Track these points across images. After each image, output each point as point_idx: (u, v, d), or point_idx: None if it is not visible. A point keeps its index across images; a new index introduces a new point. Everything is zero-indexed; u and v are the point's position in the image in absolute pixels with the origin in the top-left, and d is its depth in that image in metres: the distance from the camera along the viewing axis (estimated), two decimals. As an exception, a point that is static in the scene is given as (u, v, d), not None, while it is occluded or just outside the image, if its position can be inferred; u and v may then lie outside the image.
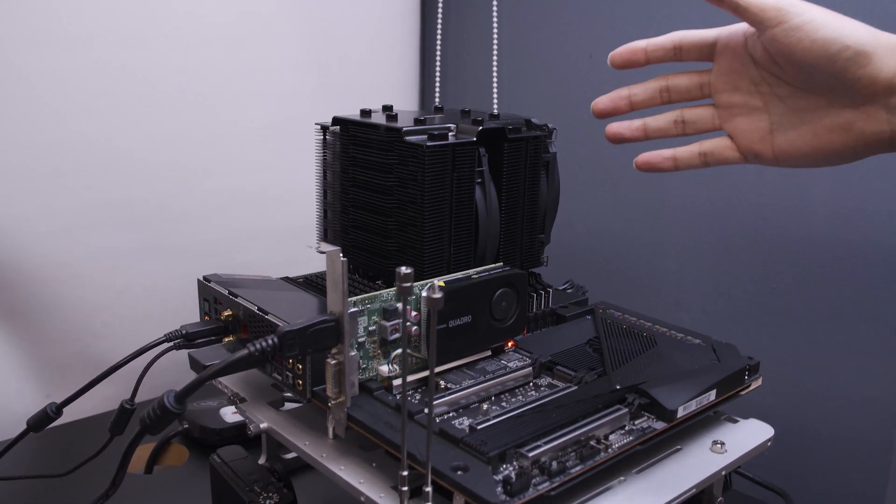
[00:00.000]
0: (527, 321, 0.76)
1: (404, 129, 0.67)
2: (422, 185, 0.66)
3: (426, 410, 0.60)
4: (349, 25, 1.13)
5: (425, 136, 0.66)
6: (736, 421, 0.70)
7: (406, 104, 1.25)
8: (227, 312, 0.71)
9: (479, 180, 0.70)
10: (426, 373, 0.66)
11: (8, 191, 0.88)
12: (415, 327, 0.64)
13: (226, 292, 0.71)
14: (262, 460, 0.76)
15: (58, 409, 0.70)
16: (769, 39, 0.54)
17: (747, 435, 0.67)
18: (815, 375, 0.90)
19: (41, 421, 0.70)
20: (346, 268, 0.57)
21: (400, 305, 0.63)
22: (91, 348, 0.93)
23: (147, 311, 0.97)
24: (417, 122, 0.69)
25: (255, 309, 0.67)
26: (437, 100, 1.21)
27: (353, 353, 0.60)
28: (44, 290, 0.92)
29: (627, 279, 1.06)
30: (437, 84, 1.19)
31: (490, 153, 0.71)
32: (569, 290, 0.86)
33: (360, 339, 0.62)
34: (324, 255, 0.57)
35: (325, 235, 0.79)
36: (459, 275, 0.67)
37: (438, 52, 1.21)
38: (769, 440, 0.68)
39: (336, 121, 0.74)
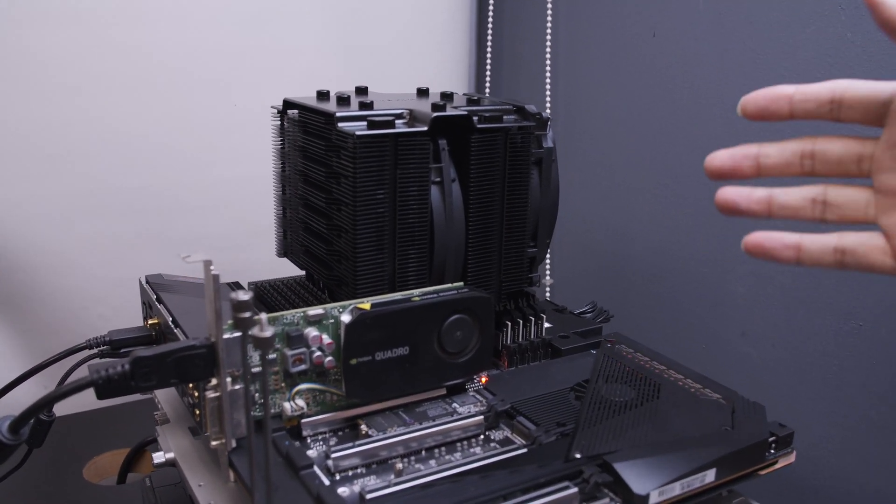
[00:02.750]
0: (499, 355, 0.62)
1: (338, 114, 0.55)
2: (353, 181, 0.54)
3: (330, 462, 0.49)
4: (390, 4, 1.02)
5: (363, 124, 0.54)
6: (752, 507, 0.53)
7: (458, 88, 1.12)
8: (154, 320, 0.63)
9: (438, 179, 0.57)
10: (347, 412, 0.54)
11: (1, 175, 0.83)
12: (328, 358, 0.52)
13: (154, 297, 0.63)
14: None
15: (-22, 414, 0.64)
16: None
17: (760, 530, 0.51)
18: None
19: (-37, 425, 0.64)
20: (219, 282, 0.47)
21: (309, 331, 0.52)
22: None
23: (144, 305, 0.91)
24: (363, 106, 0.57)
25: (169, 319, 0.58)
26: (487, 83, 1.08)
27: (236, 387, 0.49)
28: (36, 279, 0.88)
29: (685, 304, 0.89)
30: (489, 65, 1.06)
31: (460, 146, 0.58)
32: (587, 315, 0.71)
33: (256, 369, 0.50)
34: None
35: (285, 236, 0.69)
36: (399, 295, 0.54)
37: (490, 32, 1.08)
38: (792, 540, 0.51)
39: (287, 104, 0.64)
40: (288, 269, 0.75)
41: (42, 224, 0.87)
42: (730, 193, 0.46)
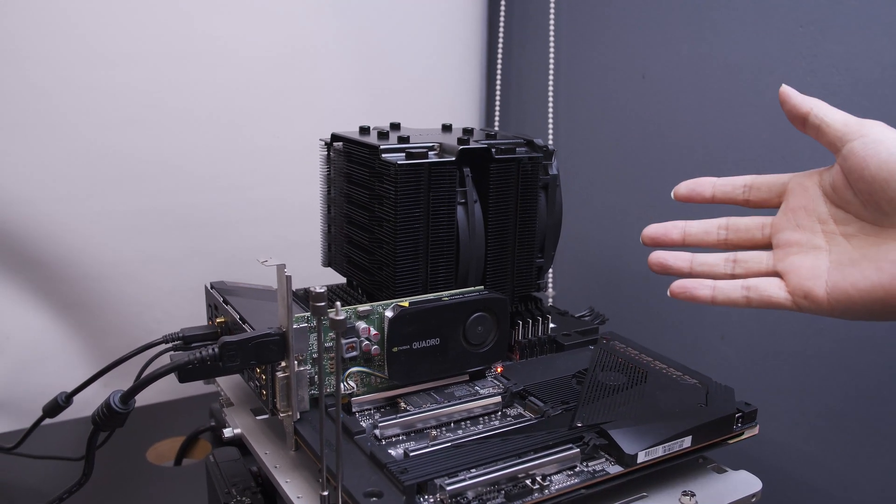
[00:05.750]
0: (512, 348, 0.73)
1: (381, 146, 0.66)
2: (394, 203, 0.65)
3: (377, 431, 0.60)
4: (409, 44, 1.14)
5: (402, 155, 0.66)
6: (723, 471, 0.64)
7: (470, 123, 1.24)
8: (221, 319, 0.74)
9: (462, 200, 0.68)
10: (388, 393, 0.65)
11: (70, 195, 0.95)
12: (375, 347, 0.63)
13: (221, 299, 0.74)
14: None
15: (68, 398, 0.75)
16: (847, 153, 0.52)
17: (729, 487, 0.62)
18: (860, 429, 0.82)
19: (53, 408, 0.75)
20: (291, 282, 0.58)
21: (359, 324, 0.63)
22: (143, 341, 0.98)
23: (193, 310, 1.01)
24: (401, 140, 0.68)
25: (237, 317, 0.69)
26: (497, 119, 1.20)
27: (301, 369, 0.60)
28: (99, 287, 0.99)
29: (671, 311, 1.00)
30: (498, 104, 1.18)
31: (480, 173, 0.70)
32: (585, 318, 0.83)
33: (315, 355, 0.62)
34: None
35: (329, 249, 0.80)
36: (431, 296, 0.66)
37: (499, 72, 1.20)
38: (755, 495, 0.62)
39: (334, 137, 0.75)
40: (322, 279, 0.85)
41: (106, 238, 0.98)
42: (661, 255, 0.60)
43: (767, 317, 0.89)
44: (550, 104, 1.11)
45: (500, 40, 1.19)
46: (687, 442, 0.60)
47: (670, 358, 0.73)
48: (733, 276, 0.58)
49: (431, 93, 1.17)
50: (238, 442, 0.84)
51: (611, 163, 1.08)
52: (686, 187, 0.60)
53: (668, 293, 0.59)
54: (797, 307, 0.54)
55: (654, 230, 0.61)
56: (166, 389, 1.02)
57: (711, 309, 0.95)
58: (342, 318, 0.49)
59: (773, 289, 0.55)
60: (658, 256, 0.60)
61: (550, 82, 1.11)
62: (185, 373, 0.59)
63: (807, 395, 0.86)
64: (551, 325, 0.77)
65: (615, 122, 1.06)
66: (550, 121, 1.11)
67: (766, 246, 0.58)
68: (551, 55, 1.11)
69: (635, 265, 1.05)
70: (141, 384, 0.59)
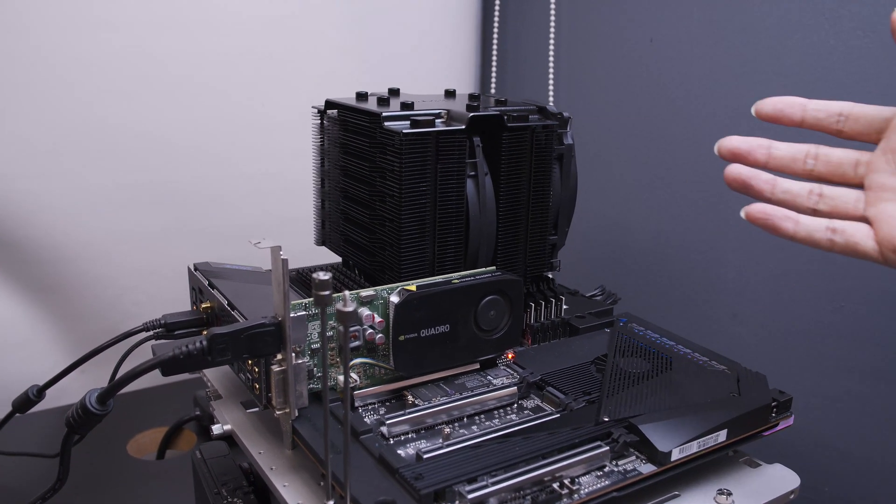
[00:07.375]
0: (524, 333, 0.68)
1: (384, 114, 0.60)
2: (399, 175, 0.59)
3: (384, 429, 0.55)
4: (401, 6, 1.07)
5: (407, 123, 0.60)
6: (757, 465, 0.60)
7: (464, 89, 1.18)
8: (206, 304, 0.68)
9: (472, 173, 0.63)
10: (394, 385, 0.60)
11: (40, 169, 0.89)
12: (379, 335, 0.58)
13: (206, 282, 0.68)
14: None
15: (39, 392, 0.69)
16: None
17: (766, 483, 0.57)
18: (881, 411, 0.78)
19: (24, 403, 0.69)
20: (287, 266, 0.52)
21: (362, 310, 0.57)
22: (122, 326, 0.91)
23: (176, 292, 0.95)
24: (405, 106, 0.62)
25: (225, 302, 0.63)
26: (493, 84, 1.14)
27: (300, 361, 0.54)
28: (73, 268, 0.93)
29: (680, 289, 0.96)
30: (494, 68, 1.12)
31: (491, 143, 0.64)
32: (597, 297, 0.77)
33: (315, 346, 0.56)
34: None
35: (323, 226, 0.74)
36: (440, 278, 0.60)
37: (496, 35, 1.14)
38: (793, 492, 0.57)
39: (329, 104, 0.69)
40: (315, 258, 0.80)
41: (81, 216, 0.93)
42: (744, 172, 0.51)
43: (781, 293, 0.85)
44: (551, 70, 1.05)
45: (497, 2, 1.13)
46: (722, 436, 0.56)
47: (692, 341, 0.68)
48: (815, 212, 0.51)
49: (424, 58, 1.11)
50: (226, 436, 0.78)
51: (615, 132, 1.02)
52: (772, 105, 0.52)
53: (744, 214, 0.51)
54: (884, 260, 0.48)
55: (737, 142, 0.52)
56: (146, 377, 0.96)
57: (722, 286, 0.90)
58: (351, 309, 0.43)
59: (860, 235, 0.48)
60: (738, 171, 0.52)
61: (551, 47, 1.05)
62: (177, 365, 0.53)
63: (823, 376, 0.82)
64: (564, 307, 0.72)
65: (620, 90, 1.00)
66: (551, 88, 1.05)
67: (857, 185, 0.50)
68: (552, 17, 1.05)
69: (642, 240, 1.00)
70: (120, 382, 0.53)
